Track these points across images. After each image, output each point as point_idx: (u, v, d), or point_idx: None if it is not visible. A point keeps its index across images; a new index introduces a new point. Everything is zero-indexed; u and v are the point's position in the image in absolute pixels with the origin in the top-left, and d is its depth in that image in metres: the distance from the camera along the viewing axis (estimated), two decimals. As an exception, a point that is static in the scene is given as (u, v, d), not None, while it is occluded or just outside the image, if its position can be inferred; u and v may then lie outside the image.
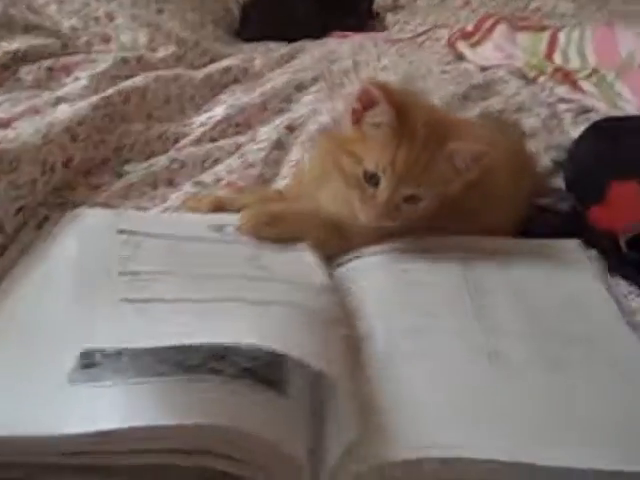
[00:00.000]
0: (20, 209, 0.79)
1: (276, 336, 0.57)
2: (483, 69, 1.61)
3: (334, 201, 0.80)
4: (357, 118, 0.76)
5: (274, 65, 1.58)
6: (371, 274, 0.76)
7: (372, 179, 0.74)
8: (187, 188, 0.93)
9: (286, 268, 0.74)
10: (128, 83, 1.15)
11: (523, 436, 0.55)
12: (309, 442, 0.53)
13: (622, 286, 0.77)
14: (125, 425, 0.48)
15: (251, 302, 0.64)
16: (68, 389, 0.53)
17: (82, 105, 0.99)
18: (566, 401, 0.59)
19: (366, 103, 0.74)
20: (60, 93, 1.07)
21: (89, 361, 0.55)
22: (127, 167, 0.97)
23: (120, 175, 0.95)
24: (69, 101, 1.04)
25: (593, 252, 0.82)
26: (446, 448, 0.53)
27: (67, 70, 1.18)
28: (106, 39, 1.39)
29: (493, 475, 0.53)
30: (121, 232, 0.76)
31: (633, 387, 0.61)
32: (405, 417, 0.57)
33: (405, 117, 0.73)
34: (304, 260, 0.76)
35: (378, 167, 0.74)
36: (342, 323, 0.66)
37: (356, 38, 1.88)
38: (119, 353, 0.55)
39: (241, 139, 1.12)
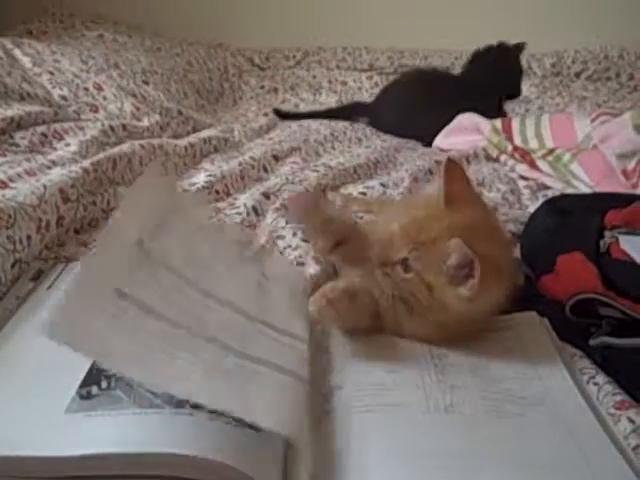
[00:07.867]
0: (15, 262, 0.85)
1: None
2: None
3: None
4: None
5: (253, 135, 1.67)
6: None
7: None
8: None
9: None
10: (115, 150, 1.23)
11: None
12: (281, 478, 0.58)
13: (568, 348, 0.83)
14: (118, 449, 0.54)
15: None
16: (65, 418, 0.59)
17: (73, 169, 1.06)
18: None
19: None
20: (53, 157, 1.14)
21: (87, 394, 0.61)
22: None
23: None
24: (61, 165, 1.11)
25: (546, 321, 0.86)
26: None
27: (59, 136, 1.25)
28: (94, 108, 1.48)
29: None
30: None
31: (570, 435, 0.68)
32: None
33: None
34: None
35: None
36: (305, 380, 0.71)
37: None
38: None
39: (220, 205, 1.19)
